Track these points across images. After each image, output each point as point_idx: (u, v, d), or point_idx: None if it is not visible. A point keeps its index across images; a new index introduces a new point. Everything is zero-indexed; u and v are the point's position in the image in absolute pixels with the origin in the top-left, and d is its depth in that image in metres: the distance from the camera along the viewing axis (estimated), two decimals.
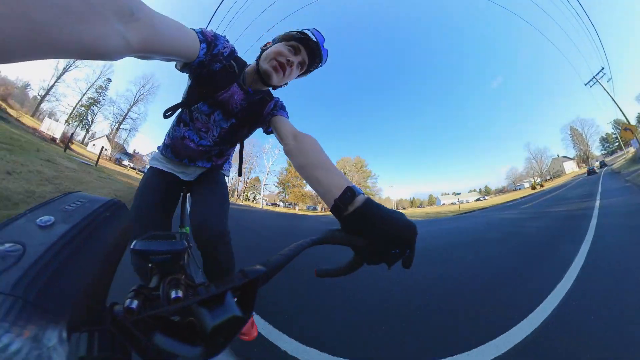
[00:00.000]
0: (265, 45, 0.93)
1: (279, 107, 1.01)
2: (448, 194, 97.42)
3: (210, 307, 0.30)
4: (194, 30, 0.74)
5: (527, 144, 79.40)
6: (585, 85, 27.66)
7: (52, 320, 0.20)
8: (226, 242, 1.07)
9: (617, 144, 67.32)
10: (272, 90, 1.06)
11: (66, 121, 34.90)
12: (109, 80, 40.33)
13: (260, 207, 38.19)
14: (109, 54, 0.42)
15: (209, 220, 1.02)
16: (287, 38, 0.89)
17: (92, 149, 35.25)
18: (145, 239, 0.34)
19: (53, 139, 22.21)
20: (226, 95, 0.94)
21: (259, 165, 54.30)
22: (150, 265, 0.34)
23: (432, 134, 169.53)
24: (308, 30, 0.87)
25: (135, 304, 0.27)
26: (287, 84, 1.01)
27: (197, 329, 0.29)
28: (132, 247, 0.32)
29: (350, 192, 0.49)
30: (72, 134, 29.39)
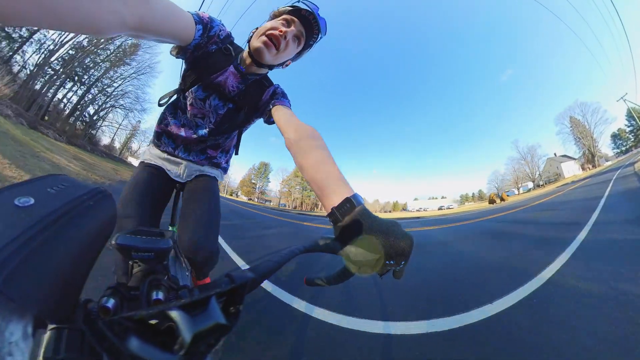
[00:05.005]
0: (257, 28, 0.86)
1: (280, 95, 0.94)
2: (436, 198, 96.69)
3: (193, 313, 0.27)
4: (189, 12, 0.73)
5: (515, 141, 62.48)
6: None
7: (17, 312, 0.17)
8: (216, 260, 1.03)
9: (632, 139, 49.07)
10: (269, 76, 1.00)
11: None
12: (139, 121, 60.23)
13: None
14: (103, 30, 0.42)
15: (201, 241, 0.96)
16: (277, 15, 0.84)
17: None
18: (128, 234, 0.31)
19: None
20: (222, 78, 0.90)
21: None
22: (131, 262, 0.31)
23: (431, 133, 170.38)
24: (298, 1, 0.81)
25: (111, 302, 0.24)
26: (286, 65, 0.93)
27: (177, 336, 0.26)
28: (113, 241, 0.30)
29: (349, 204, 0.47)
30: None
